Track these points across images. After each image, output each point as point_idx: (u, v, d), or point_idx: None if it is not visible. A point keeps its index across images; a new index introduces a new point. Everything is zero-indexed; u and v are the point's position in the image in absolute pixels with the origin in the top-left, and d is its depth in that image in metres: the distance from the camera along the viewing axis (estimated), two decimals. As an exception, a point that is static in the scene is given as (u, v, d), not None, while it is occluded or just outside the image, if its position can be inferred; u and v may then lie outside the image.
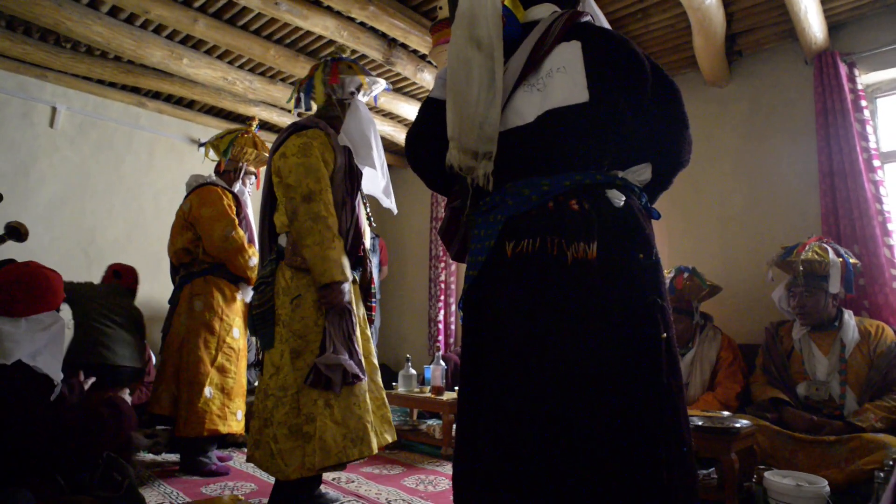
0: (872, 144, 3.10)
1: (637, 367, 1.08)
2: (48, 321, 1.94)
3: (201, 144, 3.39)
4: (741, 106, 3.72)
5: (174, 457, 3.09)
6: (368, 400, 2.15)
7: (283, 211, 2.21)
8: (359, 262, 2.27)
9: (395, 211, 2.53)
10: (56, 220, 4.30)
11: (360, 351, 2.14)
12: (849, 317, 2.72)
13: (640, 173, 1.25)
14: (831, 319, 2.74)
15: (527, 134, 1.22)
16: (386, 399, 2.32)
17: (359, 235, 2.27)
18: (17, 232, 2.38)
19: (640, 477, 1.03)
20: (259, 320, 2.18)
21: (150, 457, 3.13)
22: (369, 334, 2.33)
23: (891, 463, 2.06)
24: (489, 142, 1.22)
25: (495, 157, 1.24)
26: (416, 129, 1.42)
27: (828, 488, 2.08)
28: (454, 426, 1.27)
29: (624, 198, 1.18)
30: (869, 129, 3.12)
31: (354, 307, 2.17)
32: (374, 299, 2.39)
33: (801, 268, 2.74)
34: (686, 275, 3.16)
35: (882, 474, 2.04)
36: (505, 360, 1.15)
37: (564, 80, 1.20)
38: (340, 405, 2.03)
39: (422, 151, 1.40)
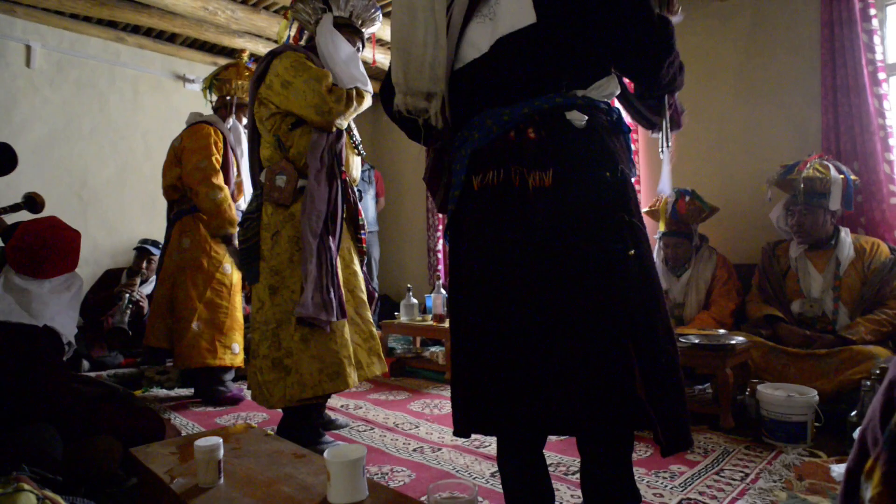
0: (879, 56, 2.98)
1: (602, 284, 1.09)
2: (69, 281, 1.96)
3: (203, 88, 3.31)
4: (743, 20, 3.57)
5: (186, 391, 3.21)
6: (348, 335, 2.17)
7: (267, 145, 2.18)
8: (343, 195, 2.24)
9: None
10: (46, 164, 4.23)
11: (341, 287, 2.14)
12: (845, 234, 2.74)
13: (604, 88, 1.21)
14: (828, 237, 2.75)
15: (483, 65, 1.21)
16: (374, 331, 2.34)
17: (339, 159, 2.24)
18: (33, 202, 2.40)
19: (614, 392, 1.06)
20: (245, 255, 2.21)
21: (163, 392, 3.24)
22: (356, 268, 2.34)
23: (877, 372, 2.14)
24: (439, 81, 1.23)
25: (464, 92, 1.24)
26: (386, 82, 1.40)
27: (817, 398, 2.17)
28: (452, 352, 1.32)
29: (586, 118, 1.16)
30: (876, 39, 3.00)
31: (333, 241, 2.16)
32: (363, 231, 2.39)
33: (801, 185, 2.72)
34: (688, 198, 3.15)
35: (868, 382, 2.12)
36: (478, 288, 1.20)
37: (511, 3, 1.17)
38: (317, 341, 2.08)
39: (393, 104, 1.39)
